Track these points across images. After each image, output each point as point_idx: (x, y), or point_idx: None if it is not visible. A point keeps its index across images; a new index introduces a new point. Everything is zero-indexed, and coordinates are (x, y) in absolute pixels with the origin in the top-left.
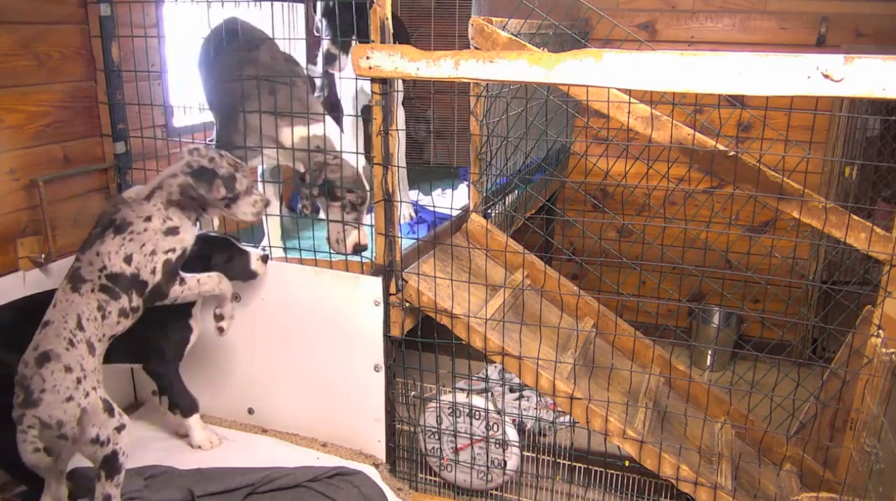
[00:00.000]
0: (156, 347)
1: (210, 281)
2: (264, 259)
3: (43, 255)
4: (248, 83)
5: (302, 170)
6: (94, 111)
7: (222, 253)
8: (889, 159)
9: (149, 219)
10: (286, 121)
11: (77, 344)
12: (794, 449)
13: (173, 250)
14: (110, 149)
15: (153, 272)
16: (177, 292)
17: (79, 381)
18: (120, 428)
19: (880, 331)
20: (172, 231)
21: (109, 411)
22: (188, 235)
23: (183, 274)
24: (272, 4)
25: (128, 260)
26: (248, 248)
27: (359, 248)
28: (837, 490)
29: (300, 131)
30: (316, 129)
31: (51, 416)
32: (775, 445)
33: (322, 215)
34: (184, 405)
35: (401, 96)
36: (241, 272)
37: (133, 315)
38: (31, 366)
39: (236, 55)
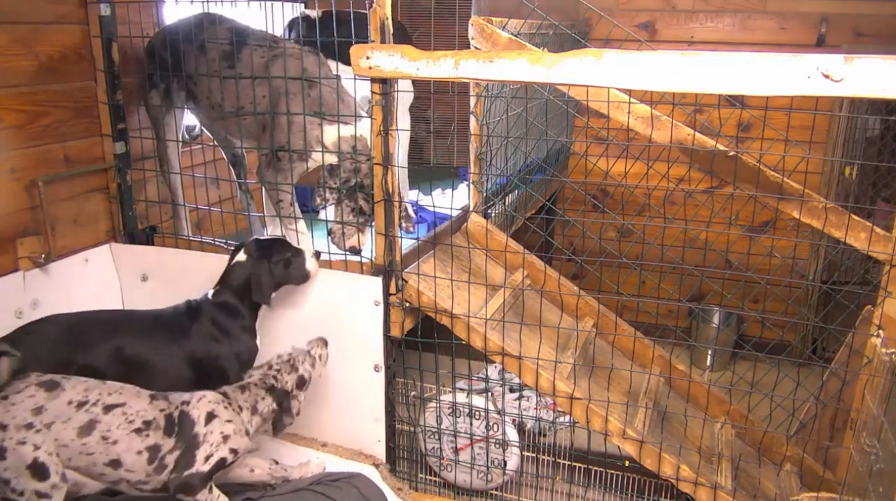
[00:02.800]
0: (219, 368)
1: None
2: (317, 255)
3: (43, 255)
4: (285, 82)
5: (338, 166)
6: (94, 111)
7: (282, 255)
8: (889, 159)
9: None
10: (328, 120)
11: None
12: (794, 449)
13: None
14: (110, 149)
15: None
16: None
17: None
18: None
19: (880, 331)
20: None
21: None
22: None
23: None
24: (272, 5)
25: None
26: (302, 246)
27: (354, 251)
28: (837, 490)
29: (346, 130)
30: (360, 129)
31: None
32: (775, 445)
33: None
34: None
35: (410, 99)
36: (298, 274)
37: None
38: None
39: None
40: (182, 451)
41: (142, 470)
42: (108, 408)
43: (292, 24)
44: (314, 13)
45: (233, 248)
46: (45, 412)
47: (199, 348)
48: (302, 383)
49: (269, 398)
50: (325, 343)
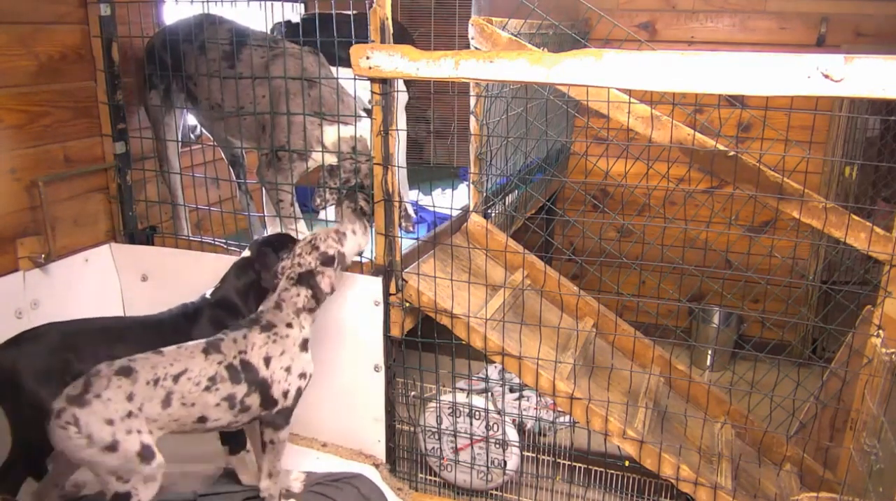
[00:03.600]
0: None
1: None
2: None
3: (43, 255)
4: (285, 82)
5: (338, 167)
6: (94, 111)
7: (286, 250)
8: (889, 159)
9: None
10: (328, 120)
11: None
12: (794, 449)
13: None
14: (110, 149)
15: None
16: None
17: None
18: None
19: (880, 331)
20: None
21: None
22: None
23: None
24: (272, 5)
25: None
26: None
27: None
28: (837, 490)
29: (346, 130)
30: (359, 130)
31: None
32: (775, 445)
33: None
34: (234, 441)
35: (405, 99)
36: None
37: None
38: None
39: (258, 53)
40: (260, 393)
41: (227, 416)
42: (175, 378)
43: (275, 30)
44: (296, 18)
45: (233, 248)
46: (135, 397)
47: None
48: (328, 260)
49: (302, 289)
50: (360, 216)
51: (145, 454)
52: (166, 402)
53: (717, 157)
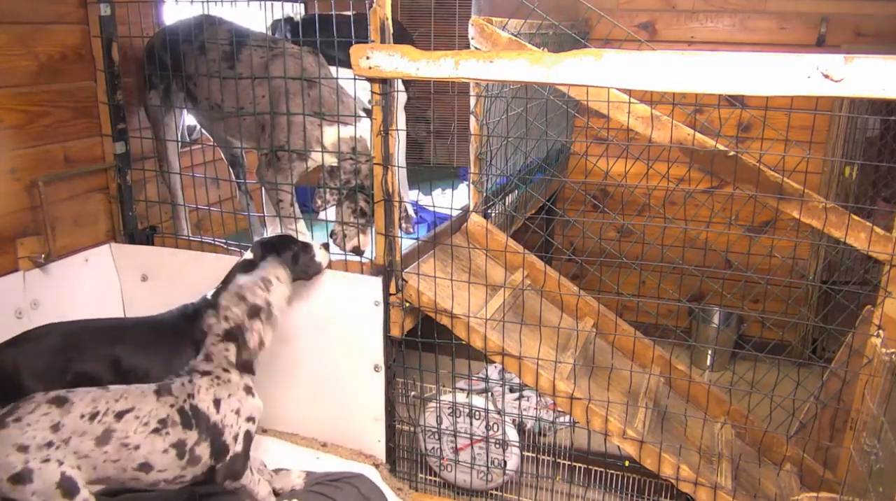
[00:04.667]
0: None
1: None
2: (326, 247)
3: (43, 255)
4: (285, 82)
5: (338, 168)
6: (94, 111)
7: (290, 249)
8: (889, 159)
9: None
10: (328, 120)
11: None
12: (794, 449)
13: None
14: (110, 149)
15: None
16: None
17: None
18: None
19: (880, 331)
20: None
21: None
22: None
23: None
24: (271, 5)
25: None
26: (308, 240)
27: (357, 252)
28: (837, 490)
29: (346, 131)
30: (359, 130)
31: None
32: (775, 445)
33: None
34: None
35: (404, 99)
36: (309, 266)
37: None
38: None
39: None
40: (210, 441)
41: (175, 467)
42: (118, 415)
43: (276, 26)
44: (297, 15)
45: (233, 248)
46: (63, 428)
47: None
48: (255, 311)
49: (230, 344)
50: (284, 257)
51: (67, 486)
52: (102, 440)
53: (717, 157)
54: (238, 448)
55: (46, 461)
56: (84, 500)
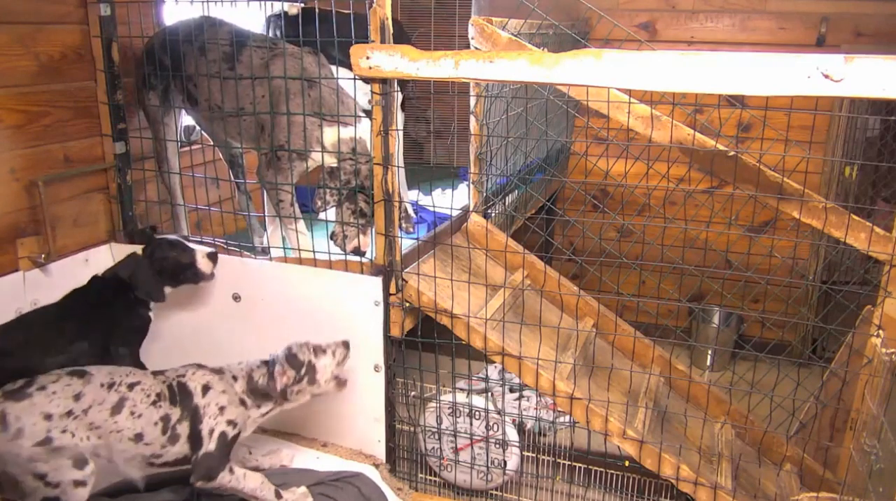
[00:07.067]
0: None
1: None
2: (212, 256)
3: (43, 255)
4: (285, 82)
5: (338, 169)
6: (94, 111)
7: (166, 253)
8: (889, 159)
9: None
10: (328, 121)
11: None
12: (794, 449)
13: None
14: (110, 149)
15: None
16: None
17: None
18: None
19: (880, 331)
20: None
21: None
22: None
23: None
24: (271, 5)
25: None
26: (195, 246)
27: (357, 252)
28: (837, 490)
29: (346, 132)
30: (359, 131)
31: None
32: (775, 445)
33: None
34: None
35: (399, 99)
36: (189, 272)
37: None
38: None
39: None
40: (189, 423)
41: (158, 441)
42: (131, 386)
43: (269, 22)
44: (294, 10)
45: (233, 248)
46: (83, 397)
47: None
48: (296, 364)
49: (265, 368)
50: (345, 345)
51: (79, 458)
52: (117, 408)
53: (717, 157)
54: (212, 445)
55: (64, 431)
56: (93, 471)
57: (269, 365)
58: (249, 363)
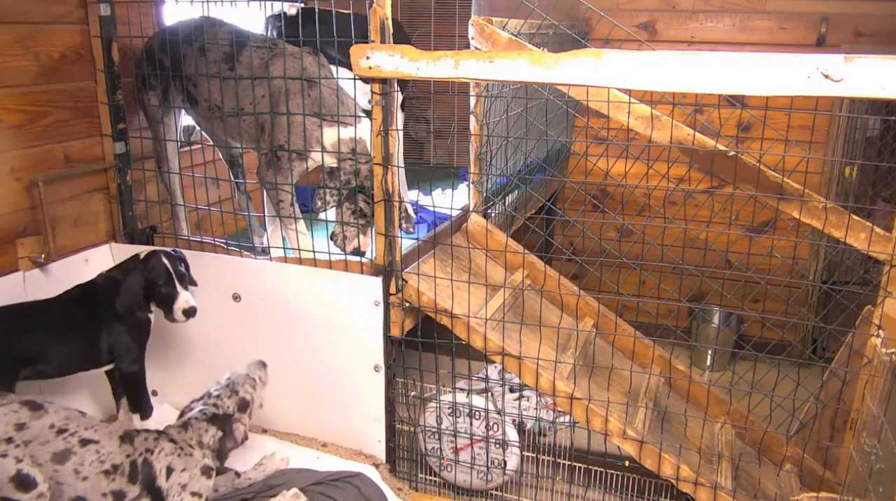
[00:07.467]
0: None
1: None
2: (188, 312)
3: (43, 255)
4: (285, 82)
5: (338, 169)
6: (94, 111)
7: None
8: (889, 159)
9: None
10: (328, 121)
11: None
12: (794, 449)
13: None
14: (110, 149)
15: None
16: None
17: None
18: None
19: (880, 331)
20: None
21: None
22: None
23: None
24: (271, 5)
25: None
26: (180, 291)
27: (357, 253)
28: (837, 490)
29: (345, 132)
30: (359, 132)
31: None
32: (775, 445)
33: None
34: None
35: (399, 98)
36: (164, 305)
37: None
38: None
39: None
40: None
41: None
42: (84, 442)
43: (269, 22)
44: (293, 10)
45: (233, 248)
46: (27, 429)
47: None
48: (244, 406)
49: (212, 427)
50: (263, 365)
51: (22, 480)
52: (60, 458)
53: (717, 157)
54: None
55: (4, 455)
56: (40, 494)
57: (212, 418)
58: (191, 421)
